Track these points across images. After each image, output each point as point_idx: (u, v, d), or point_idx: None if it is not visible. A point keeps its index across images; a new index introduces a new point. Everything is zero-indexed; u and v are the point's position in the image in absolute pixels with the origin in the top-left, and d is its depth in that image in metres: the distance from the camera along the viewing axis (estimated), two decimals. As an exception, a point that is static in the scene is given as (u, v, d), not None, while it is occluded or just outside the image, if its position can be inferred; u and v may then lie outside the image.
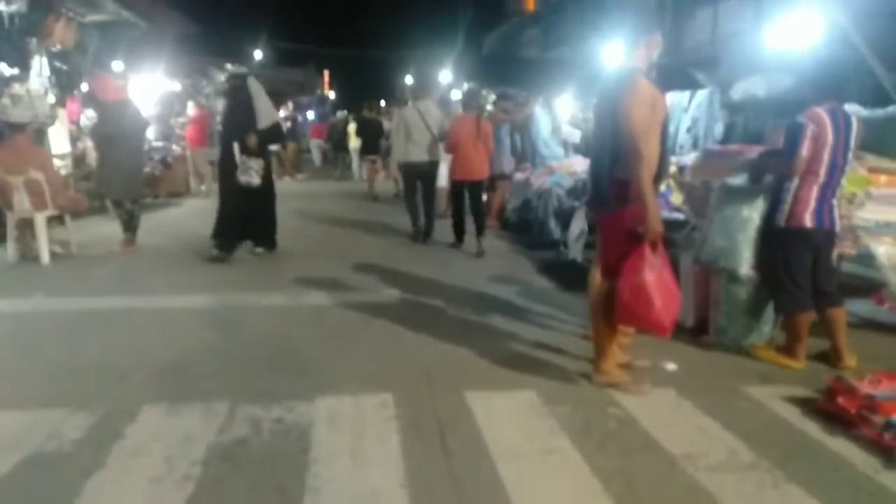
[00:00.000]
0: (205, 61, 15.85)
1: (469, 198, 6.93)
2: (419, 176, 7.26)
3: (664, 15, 14.31)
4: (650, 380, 3.34)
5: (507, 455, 2.60)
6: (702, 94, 8.46)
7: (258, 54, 27.44)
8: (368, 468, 2.50)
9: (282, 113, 18.35)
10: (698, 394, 3.20)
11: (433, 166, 7.30)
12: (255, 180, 6.17)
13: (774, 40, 7.18)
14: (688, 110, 8.55)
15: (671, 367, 3.56)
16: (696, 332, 4.05)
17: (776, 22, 7.31)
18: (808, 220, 3.45)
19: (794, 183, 3.46)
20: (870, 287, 4.19)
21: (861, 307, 4.20)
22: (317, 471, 2.48)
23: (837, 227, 3.58)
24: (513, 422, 2.92)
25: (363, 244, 7.36)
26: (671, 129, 8.52)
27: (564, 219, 6.79)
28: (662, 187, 6.06)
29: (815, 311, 3.57)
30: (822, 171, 3.41)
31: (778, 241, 3.55)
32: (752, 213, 3.71)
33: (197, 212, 9.50)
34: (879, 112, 4.21)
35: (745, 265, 3.74)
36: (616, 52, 8.53)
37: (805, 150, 3.36)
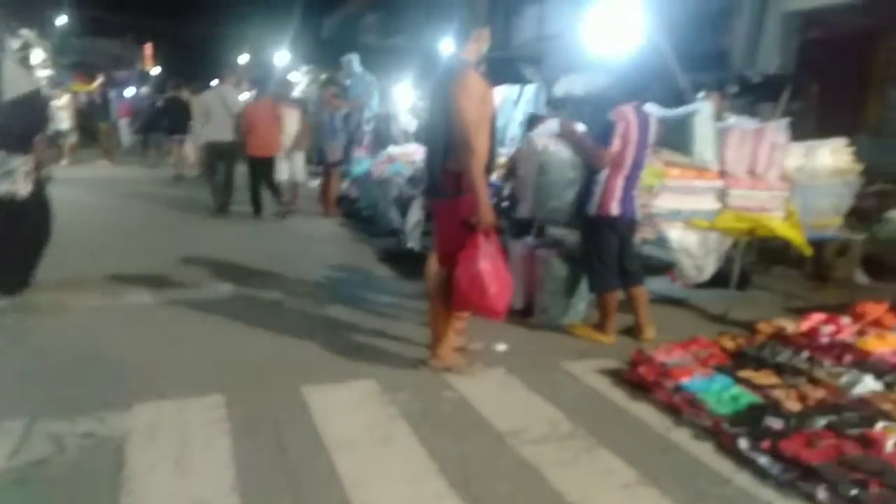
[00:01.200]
0: (-2, 26, 13.72)
1: (262, 172, 7.92)
2: (220, 154, 8.05)
3: (496, 11, 14.99)
4: (482, 361, 3.53)
5: (344, 447, 2.61)
6: (530, 89, 8.99)
7: (62, 20, 24.24)
8: (194, 477, 2.36)
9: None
10: (525, 371, 3.45)
11: (233, 145, 8.01)
12: (22, 189, 4.30)
13: (592, 42, 7.85)
14: (518, 104, 9.03)
15: (501, 347, 3.79)
16: (525, 313, 4.34)
17: (593, 25, 7.97)
18: (615, 209, 3.84)
19: (603, 175, 3.82)
20: (665, 267, 4.77)
21: (658, 285, 4.76)
22: (132, 487, 2.29)
23: (639, 215, 4.04)
24: (351, 413, 2.93)
25: (189, 233, 6.93)
26: (502, 122, 9.01)
27: (405, 207, 6.90)
28: (493, 177, 6.44)
29: (622, 290, 4.00)
30: (628, 164, 3.81)
31: (590, 228, 3.91)
32: (576, 174, 4.05)
33: None
34: (674, 112, 4.78)
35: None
36: (450, 44, 8.76)
37: (615, 145, 3.73)
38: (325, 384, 3.21)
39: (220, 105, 7.97)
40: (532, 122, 5.74)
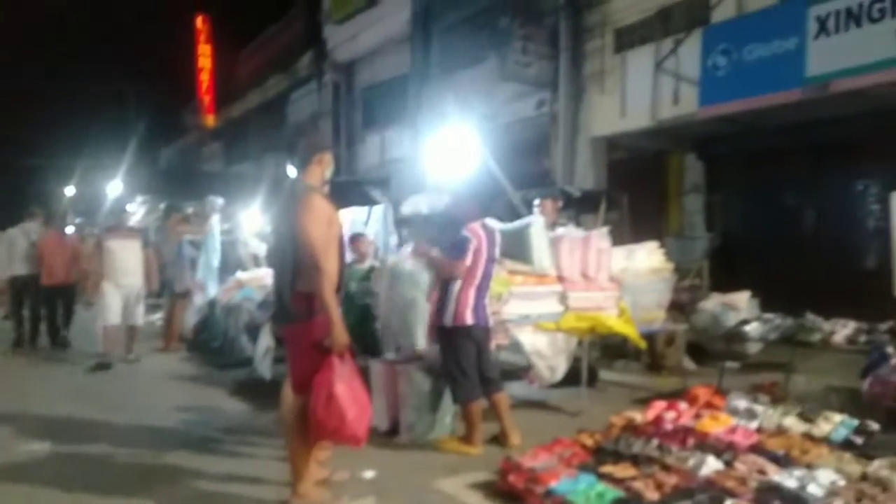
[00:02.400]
0: None
1: (55, 301, 8.03)
2: (22, 287, 8.02)
3: (338, 139, 15.70)
4: (350, 492, 3.32)
5: None
6: (378, 210, 9.32)
7: None
8: None
9: None
10: (396, 497, 3.29)
11: (33, 278, 8.00)
12: None
13: (433, 166, 8.45)
14: (367, 224, 9.29)
15: (369, 474, 3.59)
16: (390, 433, 4.21)
17: (433, 151, 8.63)
18: (470, 318, 3.98)
19: (456, 287, 3.97)
20: (520, 370, 4.96)
21: (517, 389, 4.91)
22: None
23: (492, 322, 4.21)
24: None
25: None
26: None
27: (256, 334, 6.58)
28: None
29: (484, 399, 4.05)
30: (479, 275, 4.02)
31: (448, 339, 3.98)
32: (417, 294, 4.13)
33: None
34: (511, 225, 5.19)
35: (421, 341, 4.14)
36: (293, 169, 8.90)
37: (468, 259, 3.93)
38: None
39: (24, 240, 8.11)
40: (352, 240, 5.99)
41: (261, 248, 9.91)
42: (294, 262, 3.13)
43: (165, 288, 8.37)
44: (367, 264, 5.79)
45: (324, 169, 3.35)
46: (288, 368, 3.39)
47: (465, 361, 3.93)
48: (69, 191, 27.01)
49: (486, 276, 4.08)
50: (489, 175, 7.86)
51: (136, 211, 18.07)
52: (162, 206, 10.79)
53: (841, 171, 8.63)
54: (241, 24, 21.04)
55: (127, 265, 7.02)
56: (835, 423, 3.64)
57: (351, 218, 9.47)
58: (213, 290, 7.95)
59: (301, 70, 17.48)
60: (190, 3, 21.97)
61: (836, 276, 7.82)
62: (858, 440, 3.47)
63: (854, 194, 8.63)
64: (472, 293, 4.00)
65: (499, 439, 4.07)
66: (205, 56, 22.02)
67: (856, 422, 3.59)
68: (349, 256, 4.84)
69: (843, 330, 4.70)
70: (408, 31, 12.82)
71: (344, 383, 3.02)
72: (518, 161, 10.04)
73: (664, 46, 8.92)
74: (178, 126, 25.31)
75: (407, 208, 8.64)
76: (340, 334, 3.04)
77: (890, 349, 4.02)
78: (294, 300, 3.13)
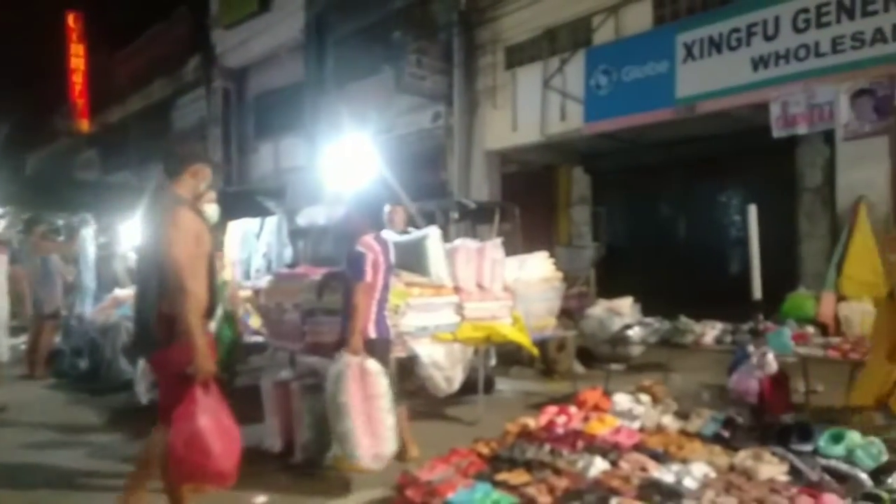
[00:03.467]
0: None
1: None
2: None
3: (229, 147, 15.09)
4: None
5: None
6: (272, 221, 9.03)
7: None
8: None
9: None
10: (290, 521, 3.18)
11: None
12: None
13: (328, 175, 8.32)
14: (260, 236, 8.97)
15: (261, 500, 3.46)
16: (285, 454, 4.06)
17: (327, 160, 8.50)
18: (373, 332, 3.91)
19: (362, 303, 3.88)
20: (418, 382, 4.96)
21: (415, 401, 4.89)
22: None
23: (392, 334, 4.18)
24: None
25: None
26: (245, 254, 8.81)
27: (136, 355, 6.15)
28: (241, 311, 6.16)
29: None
30: (378, 288, 3.96)
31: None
32: (344, 397, 3.61)
33: None
34: (407, 236, 5.20)
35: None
36: (164, 179, 8.42)
37: (368, 274, 3.87)
38: None
39: None
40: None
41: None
42: (159, 281, 2.87)
43: (35, 308, 7.62)
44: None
45: (199, 182, 3.12)
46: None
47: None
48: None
49: (386, 288, 4.05)
50: (386, 186, 7.86)
51: (-2, 222, 16.38)
52: (24, 217, 9.82)
53: (708, 185, 9.45)
54: (118, 22, 19.68)
55: None
56: (705, 419, 3.93)
57: (243, 230, 9.12)
58: (87, 308, 7.36)
59: (187, 75, 16.65)
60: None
61: (705, 281, 8.54)
62: (726, 433, 3.77)
63: (719, 206, 9.47)
64: (372, 305, 3.95)
65: (397, 454, 4.04)
66: (77, 56, 20.39)
67: (723, 416, 3.90)
68: None
69: (711, 331, 5.11)
70: (301, 40, 12.61)
71: (208, 415, 2.76)
72: (415, 172, 10.13)
73: (551, 65, 9.37)
74: (47, 131, 23.22)
75: (303, 219, 8.44)
76: (205, 362, 2.78)
77: (751, 348, 4.41)
78: (157, 323, 2.88)
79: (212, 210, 3.84)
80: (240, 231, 9.13)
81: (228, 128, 15.41)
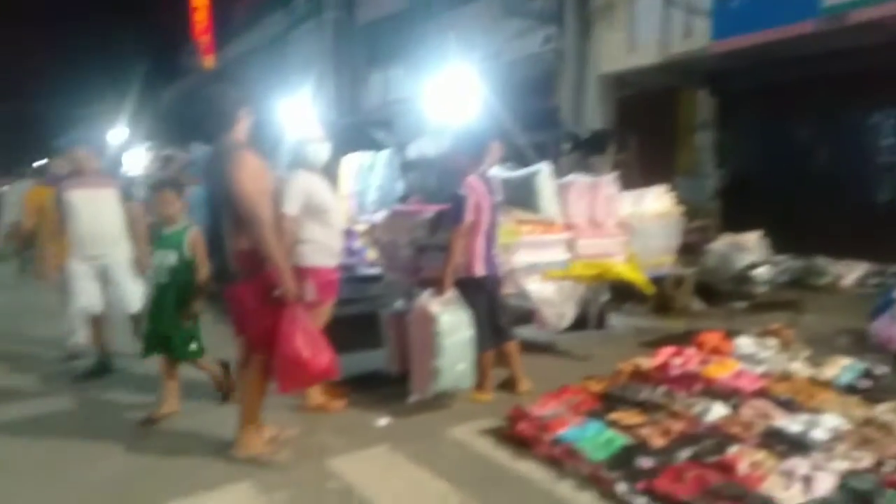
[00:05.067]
0: None
1: None
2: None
3: (341, 78, 15.33)
4: (364, 438, 3.43)
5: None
6: (384, 155, 9.20)
7: None
8: None
9: None
10: (408, 444, 3.38)
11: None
12: None
13: (434, 106, 8.26)
14: (373, 169, 9.18)
15: (383, 421, 3.71)
16: (402, 380, 4.30)
17: (434, 91, 8.42)
18: (481, 269, 3.98)
19: (465, 241, 3.94)
20: (529, 313, 4.99)
21: (525, 332, 4.95)
22: None
23: (501, 272, 4.22)
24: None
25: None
26: (360, 188, 9.07)
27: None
28: (358, 244, 6.43)
29: (494, 347, 4.10)
30: (485, 228, 3.98)
31: (459, 290, 3.98)
32: (472, 331, 3.84)
33: None
34: (517, 173, 5.12)
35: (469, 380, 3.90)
36: (297, 112, 8.67)
37: (469, 217, 3.88)
38: (194, 495, 2.93)
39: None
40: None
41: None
42: (232, 221, 3.11)
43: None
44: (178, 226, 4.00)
45: (248, 123, 3.28)
46: (236, 330, 3.37)
47: (477, 312, 3.93)
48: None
49: (493, 226, 4.06)
50: (494, 116, 7.69)
51: (143, 157, 17.99)
52: (164, 153, 10.64)
53: (855, 104, 8.38)
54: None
55: (96, 227, 4.69)
56: (841, 367, 3.68)
57: (357, 163, 9.37)
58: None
59: (299, 7, 16.90)
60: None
61: (847, 216, 7.72)
62: (865, 384, 3.52)
63: (868, 129, 8.41)
64: (480, 243, 3.98)
65: (508, 386, 4.16)
66: (200, -6, 21.27)
67: (863, 365, 3.62)
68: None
69: (852, 273, 4.69)
70: (408, -37, 12.30)
71: (301, 329, 3.06)
72: (524, 101, 9.81)
73: (676, -24, 8.53)
74: (177, 68, 24.74)
75: (412, 152, 8.52)
76: (290, 282, 3.07)
77: (899, 292, 4.02)
78: (237, 260, 3.15)
79: (322, 150, 3.96)
80: (354, 165, 9.40)
81: (339, 59, 15.58)
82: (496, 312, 4.10)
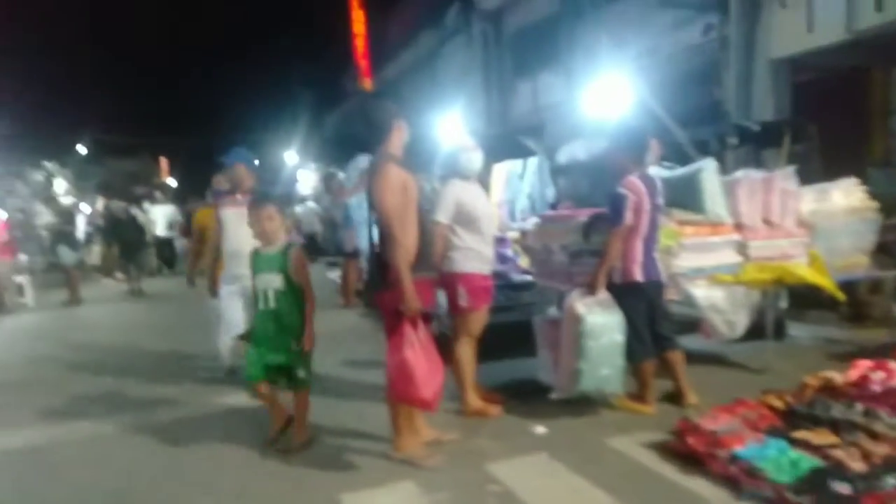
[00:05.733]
0: (22, 162, 14.48)
1: None
2: None
3: (489, 90, 15.57)
4: (522, 446, 3.41)
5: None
6: (534, 161, 9.17)
7: (81, 149, 25.53)
8: None
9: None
10: (568, 453, 3.31)
11: None
12: None
13: (587, 108, 8.06)
14: (523, 177, 9.19)
15: (541, 430, 3.67)
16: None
17: (586, 92, 8.22)
18: (639, 275, 3.80)
19: (621, 244, 3.79)
20: (694, 323, 4.66)
21: (691, 342, 4.64)
22: None
23: (663, 277, 3.99)
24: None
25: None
26: (509, 196, 9.12)
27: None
28: (509, 251, 6.45)
29: (657, 356, 3.89)
30: (644, 230, 3.80)
31: (616, 296, 3.83)
32: (622, 336, 3.72)
33: (24, 331, 8.38)
34: (678, 171, 4.81)
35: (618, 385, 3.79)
36: (449, 125, 8.90)
37: (628, 217, 3.73)
38: (363, 490, 3.11)
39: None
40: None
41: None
42: (380, 230, 3.26)
43: (338, 248, 9.04)
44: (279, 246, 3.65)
45: (402, 136, 3.40)
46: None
47: (636, 319, 3.76)
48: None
49: (654, 228, 3.85)
50: (651, 115, 7.32)
51: (310, 177, 19.64)
52: (327, 171, 11.55)
53: None
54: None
55: (242, 246, 4.20)
56: None
57: (507, 171, 9.44)
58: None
59: (449, 23, 17.48)
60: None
61: None
62: None
63: None
64: (638, 246, 3.80)
65: (672, 398, 3.91)
66: (359, 22, 22.82)
67: None
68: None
69: None
70: (555, -32, 12.20)
71: (414, 349, 3.13)
72: (684, 96, 9.21)
73: (863, -59, 7.53)
74: (339, 93, 26.73)
75: (563, 157, 8.39)
76: (412, 302, 3.14)
77: None
78: (379, 267, 3.29)
79: (475, 158, 4.03)
80: (504, 173, 9.47)
81: (488, 70, 15.86)
82: (657, 320, 3.89)
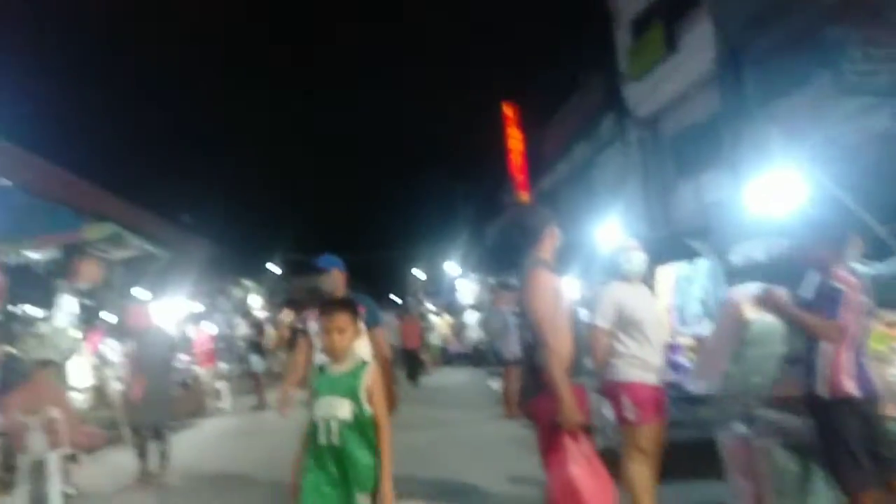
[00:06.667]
0: (225, 280, 16.71)
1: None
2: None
3: (648, 193, 15.29)
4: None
5: None
6: (703, 263, 8.65)
7: (274, 268, 28.89)
8: None
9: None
10: None
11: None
12: None
13: (756, 205, 7.55)
14: (692, 280, 8.69)
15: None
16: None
17: (755, 189, 7.74)
18: (853, 388, 3.26)
19: (829, 349, 3.31)
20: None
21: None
22: None
23: (877, 389, 3.41)
24: None
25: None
26: (679, 300, 8.61)
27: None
28: (682, 359, 5.98)
29: (878, 485, 3.26)
30: (856, 333, 3.32)
31: (824, 413, 3.32)
32: (782, 348, 3.52)
33: (221, 433, 9.27)
34: (881, 267, 4.25)
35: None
36: (608, 231, 8.78)
37: (844, 315, 3.28)
38: None
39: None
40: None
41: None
42: (531, 338, 3.17)
43: (498, 357, 9.05)
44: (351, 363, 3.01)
45: (554, 242, 3.38)
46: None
47: (850, 441, 3.23)
48: (416, 273, 32.02)
49: (863, 331, 3.37)
50: (841, 208, 6.64)
51: (470, 287, 20.24)
52: (492, 280, 11.90)
53: None
54: (542, 103, 22.58)
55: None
56: None
57: (674, 274, 9.00)
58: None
59: (604, 133, 17.80)
60: (496, 94, 24.44)
61: None
62: None
63: None
64: (850, 355, 3.29)
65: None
66: (514, 138, 24.10)
67: None
68: None
69: None
70: (713, 71, 12.09)
71: (578, 464, 2.90)
72: (875, 187, 8.31)
73: None
74: (497, 205, 27.89)
75: (738, 258, 7.82)
76: (570, 413, 2.90)
77: None
78: (531, 374, 3.15)
79: (637, 258, 3.90)
80: (670, 276, 9.04)
81: (647, 174, 15.70)
82: (878, 439, 3.29)
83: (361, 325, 2.93)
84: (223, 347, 13.67)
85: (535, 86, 23.67)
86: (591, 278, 6.90)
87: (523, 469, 5.52)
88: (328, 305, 2.96)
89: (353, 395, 2.77)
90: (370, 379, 2.83)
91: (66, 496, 5.94)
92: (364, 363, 2.92)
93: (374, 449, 2.75)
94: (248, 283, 21.10)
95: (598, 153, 18.58)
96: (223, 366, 12.68)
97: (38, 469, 6.01)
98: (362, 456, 2.71)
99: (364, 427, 2.76)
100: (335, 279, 4.49)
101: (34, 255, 7.90)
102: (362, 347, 3.68)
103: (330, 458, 2.72)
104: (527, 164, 23.93)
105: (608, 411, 5.03)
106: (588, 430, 3.14)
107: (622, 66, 16.16)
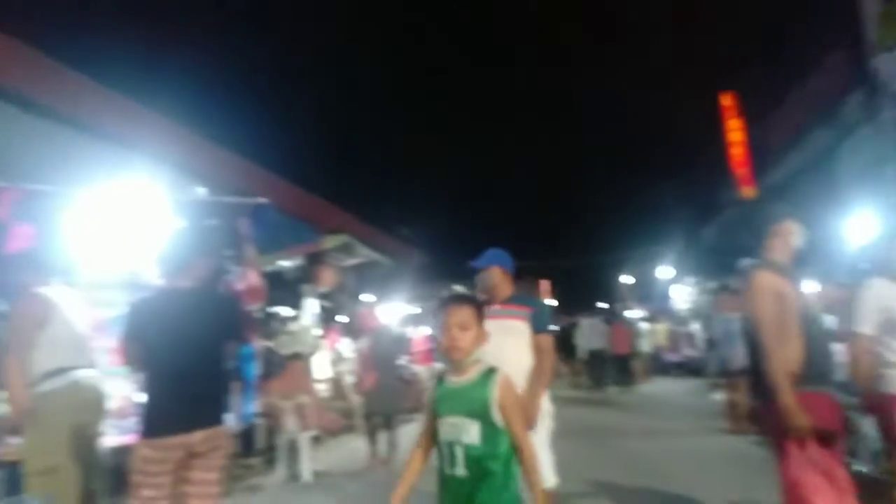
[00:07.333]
0: (439, 285, 17.85)
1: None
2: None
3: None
4: None
5: None
6: None
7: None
8: None
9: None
10: None
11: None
12: None
13: None
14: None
15: None
16: None
17: None
18: None
19: None
20: None
21: None
22: None
23: None
24: None
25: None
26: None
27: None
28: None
29: None
30: None
31: None
32: None
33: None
34: None
35: None
36: (857, 227, 7.64)
37: None
38: None
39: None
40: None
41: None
42: (756, 342, 3.05)
43: (722, 367, 8.31)
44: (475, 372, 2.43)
45: (786, 240, 3.14)
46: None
47: None
48: (624, 279, 30.92)
49: None
50: None
51: (688, 292, 18.96)
52: (712, 285, 11.03)
53: None
54: (764, 89, 20.33)
55: (508, 363, 3.13)
56: None
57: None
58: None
59: (848, 115, 15.44)
60: (709, 84, 22.56)
61: None
62: None
63: None
64: None
65: None
66: (735, 130, 22.04)
67: None
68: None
69: None
70: None
71: (805, 470, 2.76)
72: None
73: None
74: (714, 204, 25.71)
75: None
76: (794, 418, 2.77)
77: None
78: (758, 379, 3.05)
79: None
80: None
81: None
82: None
83: (486, 329, 2.35)
84: (437, 348, 14.56)
85: (755, 70, 21.41)
86: (836, 280, 5.99)
87: (753, 489, 5.03)
88: (450, 299, 2.41)
89: (481, 412, 2.21)
90: (502, 390, 2.24)
91: (315, 473, 6.81)
92: (492, 371, 2.31)
93: (512, 480, 2.18)
94: (458, 288, 22.24)
95: (841, 138, 16.14)
96: (439, 366, 13.51)
97: (293, 448, 6.99)
98: (501, 488, 2.14)
99: (498, 449, 2.17)
100: (494, 277, 3.94)
101: (285, 264, 9.22)
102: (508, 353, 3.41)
103: (459, 493, 2.17)
104: (749, 157, 21.73)
105: (871, 429, 4.34)
106: (832, 440, 2.85)
107: (870, 34, 13.89)
